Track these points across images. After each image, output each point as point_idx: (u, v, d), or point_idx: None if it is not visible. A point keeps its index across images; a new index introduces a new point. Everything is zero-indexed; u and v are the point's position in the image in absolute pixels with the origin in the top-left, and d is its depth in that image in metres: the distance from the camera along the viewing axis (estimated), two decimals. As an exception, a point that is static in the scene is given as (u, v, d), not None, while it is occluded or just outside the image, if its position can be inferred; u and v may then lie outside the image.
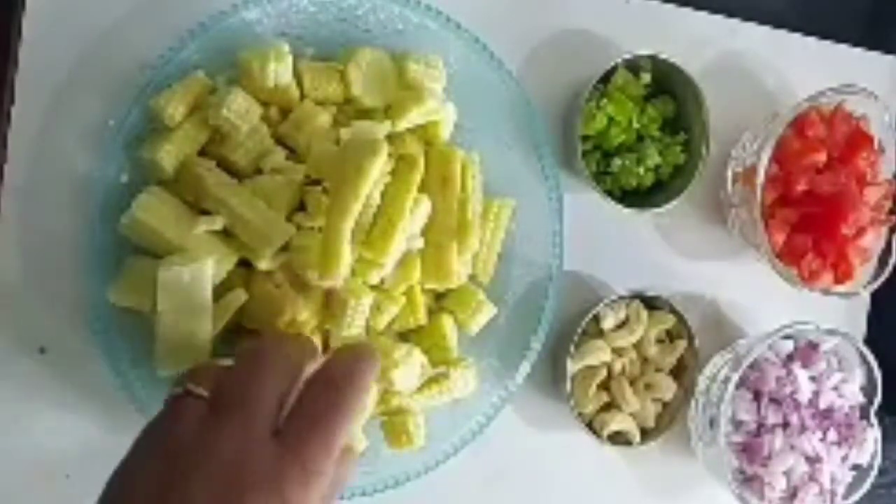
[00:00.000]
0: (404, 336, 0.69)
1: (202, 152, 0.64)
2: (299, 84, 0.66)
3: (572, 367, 0.72)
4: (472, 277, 0.70)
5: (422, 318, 0.68)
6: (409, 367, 0.65)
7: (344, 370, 0.52)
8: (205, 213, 0.63)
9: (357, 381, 0.52)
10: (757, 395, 0.73)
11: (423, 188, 0.66)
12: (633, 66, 0.73)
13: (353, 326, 0.64)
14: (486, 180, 0.69)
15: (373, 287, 0.65)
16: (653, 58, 0.72)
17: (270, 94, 0.64)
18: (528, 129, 0.70)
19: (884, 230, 0.74)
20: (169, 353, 0.62)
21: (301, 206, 0.64)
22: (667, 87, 0.74)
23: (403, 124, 0.65)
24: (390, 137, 0.66)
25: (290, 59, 0.64)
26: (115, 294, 0.63)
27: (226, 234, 0.64)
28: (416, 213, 0.65)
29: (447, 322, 0.69)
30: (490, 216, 0.70)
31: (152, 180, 0.64)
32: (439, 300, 0.70)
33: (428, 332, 0.69)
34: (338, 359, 0.53)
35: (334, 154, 0.62)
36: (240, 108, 0.62)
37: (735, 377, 0.70)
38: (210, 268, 0.62)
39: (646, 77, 0.73)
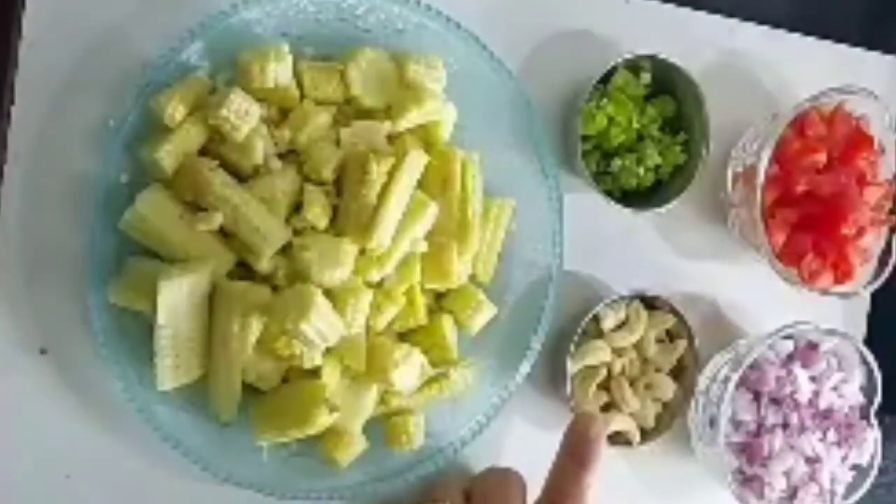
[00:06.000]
0: (404, 336, 0.69)
1: (202, 152, 0.64)
2: (299, 84, 0.66)
3: (572, 367, 0.72)
4: (472, 277, 0.70)
5: (422, 318, 0.68)
6: (409, 367, 0.65)
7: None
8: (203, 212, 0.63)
9: None
10: (757, 396, 0.73)
11: (423, 188, 0.66)
12: (634, 66, 0.73)
13: (353, 326, 0.64)
14: (485, 180, 0.69)
15: (372, 287, 0.65)
16: (653, 58, 0.72)
17: (270, 95, 0.64)
18: (528, 129, 0.70)
19: (884, 230, 0.74)
20: (168, 367, 0.62)
21: (299, 207, 0.64)
22: (667, 87, 0.74)
23: (403, 124, 0.65)
24: (390, 137, 0.66)
25: (289, 59, 0.64)
26: (115, 294, 0.63)
27: (225, 236, 0.64)
28: (421, 217, 0.65)
29: (447, 322, 0.69)
30: (490, 216, 0.70)
31: (152, 180, 0.64)
32: (439, 300, 0.70)
33: (428, 332, 0.69)
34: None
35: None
36: (240, 109, 0.62)
37: (735, 377, 0.70)
38: (207, 279, 0.62)
39: (646, 77, 0.73)
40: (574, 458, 0.61)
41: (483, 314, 0.69)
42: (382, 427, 0.68)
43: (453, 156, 0.67)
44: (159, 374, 0.62)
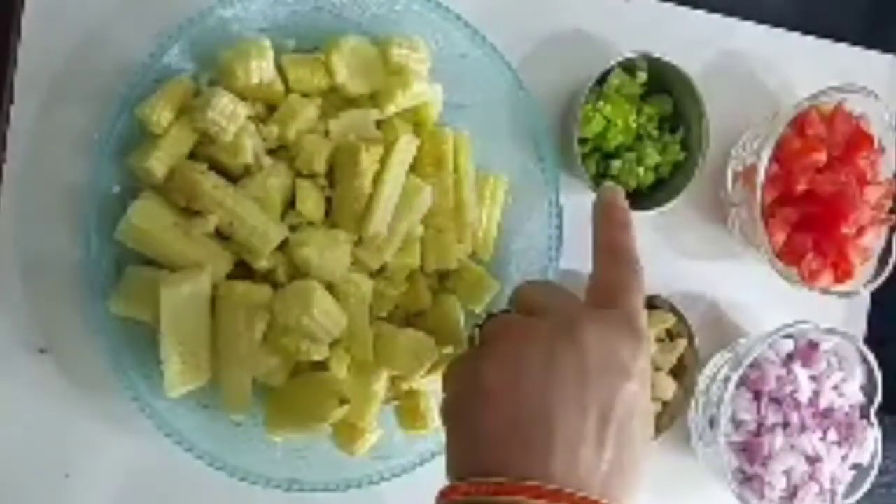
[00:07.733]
0: (411, 320, 0.69)
1: (191, 156, 0.63)
2: (283, 78, 0.65)
3: (572, 366, 0.72)
4: (473, 255, 0.70)
5: (426, 301, 0.68)
6: (416, 350, 0.64)
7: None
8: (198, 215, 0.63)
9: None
10: (757, 395, 0.73)
11: (416, 171, 0.66)
12: (629, 66, 0.73)
13: (357, 316, 0.63)
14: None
15: (373, 275, 0.65)
16: (648, 57, 0.72)
17: (255, 92, 0.63)
18: (528, 129, 0.69)
19: (884, 229, 0.74)
20: (176, 373, 0.62)
21: (294, 203, 0.64)
22: (663, 85, 0.74)
23: (391, 109, 0.65)
24: (380, 123, 0.66)
25: (271, 54, 0.63)
26: (117, 305, 0.63)
27: (221, 238, 0.63)
28: (416, 201, 0.65)
29: (452, 302, 0.68)
30: (486, 193, 0.70)
31: (144, 188, 0.63)
32: (443, 281, 0.70)
33: (434, 313, 0.68)
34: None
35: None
36: (225, 109, 0.61)
37: (735, 377, 0.70)
38: (208, 283, 0.62)
39: (641, 76, 0.73)
40: (612, 222, 0.58)
41: (487, 291, 0.69)
42: (395, 412, 0.68)
43: (444, 136, 0.67)
44: (168, 382, 0.61)
